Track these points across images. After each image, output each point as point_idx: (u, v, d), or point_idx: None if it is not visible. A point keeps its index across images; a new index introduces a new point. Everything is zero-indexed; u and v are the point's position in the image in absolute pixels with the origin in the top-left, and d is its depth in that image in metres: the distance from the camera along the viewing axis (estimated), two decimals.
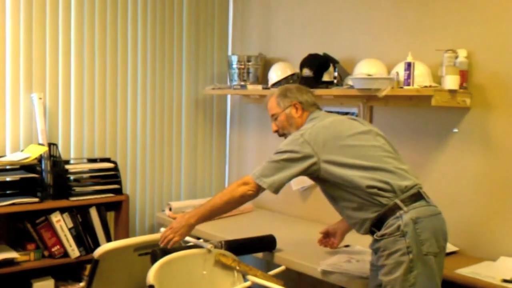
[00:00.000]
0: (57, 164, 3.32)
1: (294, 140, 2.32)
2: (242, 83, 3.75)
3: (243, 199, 2.34)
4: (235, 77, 3.80)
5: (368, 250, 2.39)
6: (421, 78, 2.77)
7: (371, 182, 2.22)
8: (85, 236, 3.35)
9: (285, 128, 2.51)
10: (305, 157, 2.27)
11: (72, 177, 3.38)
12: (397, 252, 2.16)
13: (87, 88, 3.59)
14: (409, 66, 2.73)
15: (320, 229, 2.87)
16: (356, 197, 2.25)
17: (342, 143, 2.29)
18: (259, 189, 2.32)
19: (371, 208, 2.24)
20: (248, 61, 3.78)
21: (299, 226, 3.45)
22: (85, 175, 3.48)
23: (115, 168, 3.53)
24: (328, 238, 2.83)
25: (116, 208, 3.54)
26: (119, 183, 3.51)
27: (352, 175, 2.23)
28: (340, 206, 2.36)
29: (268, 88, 3.59)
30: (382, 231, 2.21)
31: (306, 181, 3.65)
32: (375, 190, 2.21)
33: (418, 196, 2.24)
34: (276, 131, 2.57)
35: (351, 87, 3.00)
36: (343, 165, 2.24)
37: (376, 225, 2.24)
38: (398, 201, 2.20)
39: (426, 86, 2.71)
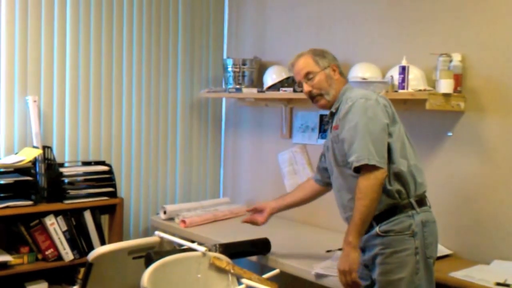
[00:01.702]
0: (52, 167, 3.32)
1: (373, 107, 2.17)
2: (237, 86, 3.75)
3: (381, 186, 2.13)
4: (230, 80, 3.81)
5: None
6: (416, 81, 2.78)
7: (406, 169, 2.19)
8: (79, 239, 3.34)
9: (323, 88, 2.33)
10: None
11: (66, 180, 3.37)
12: (404, 251, 2.13)
13: (82, 91, 3.59)
14: (403, 70, 2.74)
15: (315, 232, 2.87)
16: None
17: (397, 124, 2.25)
18: (386, 172, 2.14)
19: (384, 200, 2.17)
20: (243, 64, 3.79)
21: (294, 229, 3.45)
22: (79, 178, 3.46)
23: (110, 171, 3.53)
24: (256, 214, 2.79)
25: (111, 211, 3.53)
26: (114, 186, 3.50)
27: (398, 156, 2.18)
28: (352, 194, 2.22)
29: (263, 92, 3.60)
30: (388, 227, 2.17)
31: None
32: (408, 179, 2.19)
33: (424, 201, 2.26)
34: (309, 92, 2.37)
35: None
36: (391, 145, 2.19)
37: (377, 219, 2.19)
38: (412, 200, 2.20)
39: (420, 90, 2.72)
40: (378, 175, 2.11)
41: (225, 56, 4.22)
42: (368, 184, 2.11)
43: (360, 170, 2.14)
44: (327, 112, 2.41)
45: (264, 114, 3.97)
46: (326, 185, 2.64)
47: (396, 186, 2.18)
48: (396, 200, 2.19)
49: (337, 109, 2.31)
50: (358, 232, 2.15)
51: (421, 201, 2.23)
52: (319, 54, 2.38)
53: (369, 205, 2.12)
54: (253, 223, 2.80)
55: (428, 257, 2.17)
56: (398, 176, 2.19)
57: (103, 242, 3.43)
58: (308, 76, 2.36)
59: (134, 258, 2.52)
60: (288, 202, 2.76)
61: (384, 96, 2.30)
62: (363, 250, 2.26)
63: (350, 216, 2.20)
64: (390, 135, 2.18)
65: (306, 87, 2.37)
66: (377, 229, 2.19)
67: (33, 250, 3.21)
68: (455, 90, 2.69)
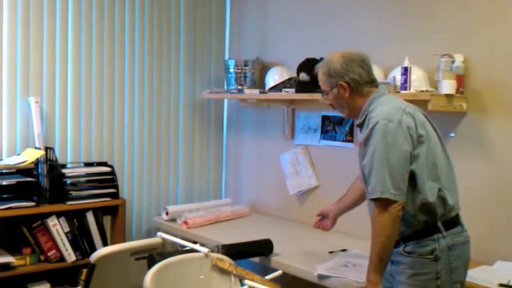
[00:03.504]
0: (54, 168, 3.32)
1: (394, 131, 2.05)
2: (239, 87, 3.75)
3: (398, 219, 2.05)
4: (232, 81, 3.81)
5: (365, 254, 2.37)
6: (418, 82, 2.78)
7: (436, 195, 2.09)
8: (81, 240, 3.34)
9: (336, 106, 2.31)
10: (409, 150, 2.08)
11: (68, 181, 3.37)
12: (425, 275, 2.08)
13: (84, 92, 3.59)
14: (405, 71, 2.74)
15: (318, 233, 2.87)
16: (408, 208, 2.09)
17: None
18: (402, 203, 2.05)
19: (409, 227, 2.12)
20: (245, 65, 3.78)
21: (296, 230, 3.44)
22: (81, 179, 3.47)
23: (112, 172, 3.53)
24: (323, 220, 2.73)
25: (113, 212, 3.53)
26: (116, 187, 3.51)
27: (424, 183, 2.08)
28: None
29: (265, 92, 3.60)
30: (412, 248, 2.12)
31: (302, 184, 3.66)
32: (436, 208, 2.09)
33: (456, 221, 2.16)
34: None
35: None
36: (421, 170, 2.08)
37: (404, 239, 2.14)
38: (439, 224, 2.11)
39: (422, 91, 2.71)
40: (392, 210, 2.03)
41: (227, 57, 4.21)
42: (382, 220, 2.05)
43: (376, 202, 2.06)
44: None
45: (266, 115, 3.97)
46: None
47: (421, 217, 2.10)
48: (422, 227, 2.12)
49: (363, 121, 2.21)
50: (378, 269, 2.09)
51: (450, 223, 2.13)
52: (326, 73, 2.26)
53: (386, 241, 2.06)
54: (323, 228, 2.74)
55: (454, 281, 2.11)
56: (425, 207, 2.09)
57: (105, 243, 3.43)
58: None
59: (136, 259, 2.52)
60: (347, 204, 2.66)
61: (412, 110, 2.15)
62: (392, 261, 2.19)
63: None
64: (414, 159, 2.07)
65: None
66: (402, 248, 2.14)
67: (36, 251, 3.21)
68: (457, 91, 2.69)
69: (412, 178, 2.08)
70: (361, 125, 2.24)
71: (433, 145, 2.13)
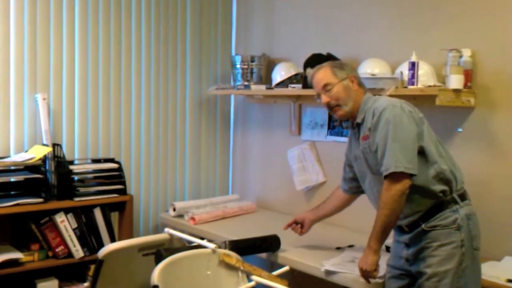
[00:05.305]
0: (61, 164, 3.33)
1: (399, 114, 2.22)
2: (246, 83, 3.75)
3: (403, 196, 2.19)
4: (239, 77, 3.80)
5: None
6: (425, 77, 2.77)
7: (447, 167, 2.25)
8: (89, 236, 3.36)
9: (341, 99, 2.37)
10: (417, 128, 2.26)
11: (76, 177, 3.38)
12: (451, 244, 2.19)
13: (91, 88, 3.60)
14: (413, 66, 2.73)
15: (325, 229, 2.88)
16: (423, 181, 2.23)
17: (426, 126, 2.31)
18: (410, 177, 2.19)
19: (428, 202, 2.24)
20: (252, 61, 3.78)
21: None
22: (89, 176, 3.47)
23: (119, 169, 3.54)
24: (295, 225, 2.86)
25: (120, 209, 3.54)
26: (123, 183, 3.51)
27: (435, 155, 2.24)
28: None
29: (272, 88, 3.59)
30: (435, 223, 2.23)
31: (309, 180, 3.66)
32: (450, 177, 2.24)
33: (466, 195, 2.31)
34: (328, 103, 2.40)
35: None
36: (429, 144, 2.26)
37: (423, 218, 2.26)
38: (455, 196, 2.25)
39: (430, 86, 2.70)
40: (399, 187, 2.17)
41: (233, 53, 4.21)
42: (389, 195, 2.19)
43: (388, 178, 2.20)
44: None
45: (272, 111, 3.97)
46: (354, 194, 2.71)
47: (439, 186, 2.24)
48: (441, 199, 2.25)
49: (362, 120, 2.36)
50: (379, 238, 2.26)
51: (463, 196, 2.28)
52: (337, 65, 2.43)
53: (389, 215, 2.21)
54: (295, 232, 2.87)
55: (475, 248, 2.24)
56: (441, 176, 2.24)
57: (113, 239, 3.44)
58: (326, 87, 2.40)
59: (144, 255, 2.53)
60: (325, 212, 2.83)
61: (408, 102, 2.33)
62: (408, 245, 2.32)
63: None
64: (420, 137, 2.24)
65: (324, 98, 2.41)
66: (423, 226, 2.25)
67: (44, 247, 3.22)
68: (465, 85, 2.68)
69: (423, 153, 2.23)
70: (359, 125, 2.38)
71: (430, 128, 2.31)
